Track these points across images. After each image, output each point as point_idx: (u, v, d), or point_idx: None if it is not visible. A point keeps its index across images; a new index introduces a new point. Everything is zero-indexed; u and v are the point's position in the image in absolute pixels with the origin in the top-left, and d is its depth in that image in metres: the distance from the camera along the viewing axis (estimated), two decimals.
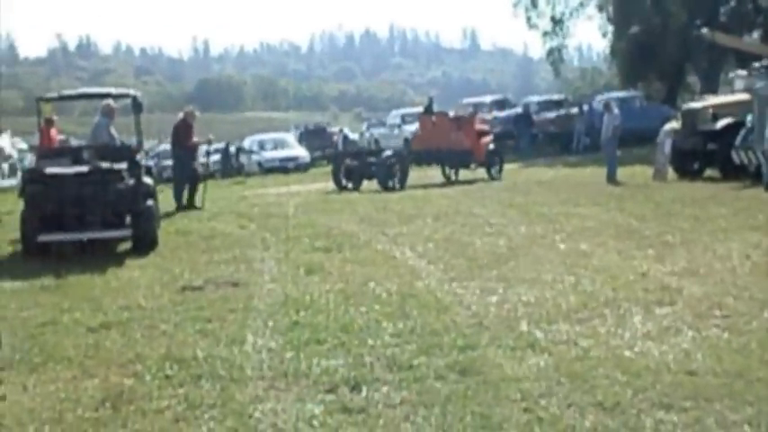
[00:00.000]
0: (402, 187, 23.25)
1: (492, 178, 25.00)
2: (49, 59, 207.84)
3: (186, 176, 19.17)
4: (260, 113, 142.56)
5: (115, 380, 6.30)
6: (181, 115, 20.11)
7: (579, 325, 7.35)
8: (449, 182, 25.29)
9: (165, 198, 18.99)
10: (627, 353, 6.49)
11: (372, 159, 24.74)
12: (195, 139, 19.71)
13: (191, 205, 18.82)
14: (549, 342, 6.83)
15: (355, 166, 24.53)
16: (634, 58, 43.45)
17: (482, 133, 26.14)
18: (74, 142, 25.35)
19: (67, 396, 5.98)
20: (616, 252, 11.08)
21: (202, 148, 22.30)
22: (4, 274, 10.99)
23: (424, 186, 23.34)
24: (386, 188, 23.03)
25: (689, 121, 22.45)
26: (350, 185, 24.13)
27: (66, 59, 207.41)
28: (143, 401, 5.81)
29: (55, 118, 19.78)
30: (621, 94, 39.10)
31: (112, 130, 16.55)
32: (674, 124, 23.34)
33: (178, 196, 18.88)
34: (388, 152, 25.55)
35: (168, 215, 16.99)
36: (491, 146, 25.92)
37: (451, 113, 30.18)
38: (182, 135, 19.43)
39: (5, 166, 18.24)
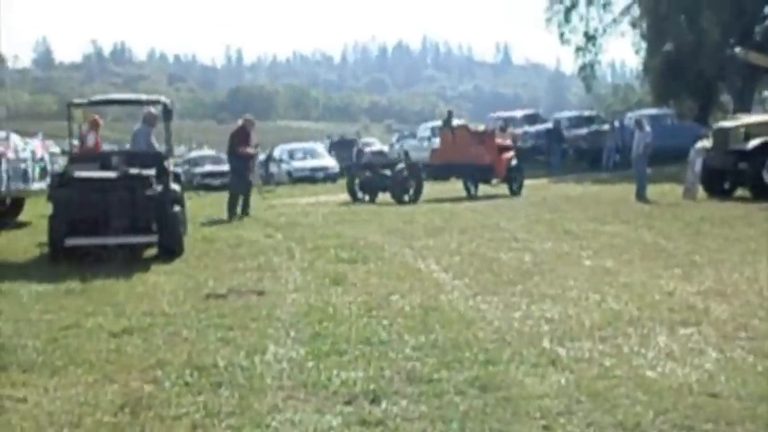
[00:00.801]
0: (416, 201, 23.12)
1: (513, 194, 24.79)
2: (84, 64, 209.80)
3: (243, 185, 19.31)
4: (291, 123, 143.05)
5: (135, 385, 6.30)
6: (239, 122, 20.28)
7: (602, 343, 7.29)
8: (470, 196, 25.07)
9: (195, 206, 19.12)
10: (649, 373, 6.42)
11: (387, 172, 24.52)
12: (251, 147, 19.81)
13: (244, 213, 18.90)
14: (571, 360, 6.77)
15: (369, 179, 24.45)
16: (667, 75, 43.27)
17: (503, 148, 25.91)
18: (105, 147, 25.48)
19: (87, 400, 5.99)
20: (642, 270, 11.00)
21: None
22: (31, 277, 11.05)
23: (447, 201, 23.27)
24: (399, 201, 22.93)
25: (720, 140, 22.31)
26: (365, 198, 24.05)
27: (100, 65, 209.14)
28: (162, 408, 5.81)
29: (101, 122, 20.02)
30: (653, 111, 38.97)
31: (152, 139, 16.79)
32: (705, 143, 23.19)
33: (232, 205, 19.00)
34: (402, 165, 25.29)
35: (219, 222, 17.29)
36: (513, 161, 25.67)
37: (481, 127, 30.05)
38: (239, 142, 19.52)
39: (37, 169, 18.34)
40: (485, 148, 25.31)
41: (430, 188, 24.81)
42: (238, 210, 18.96)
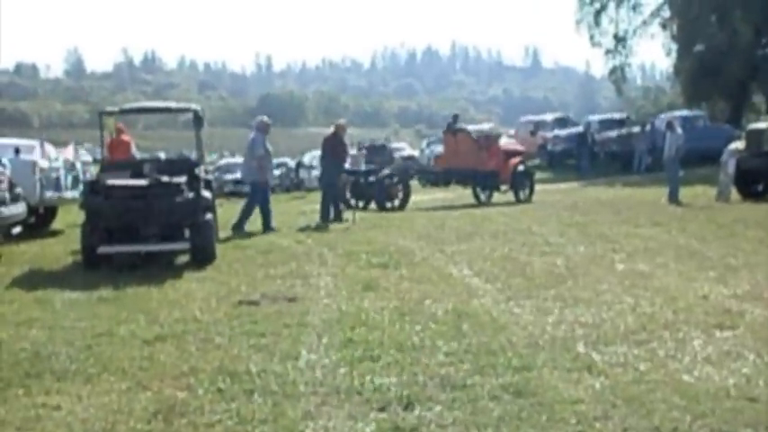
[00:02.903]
0: (402, 209, 22.69)
1: (518, 201, 24.00)
2: (115, 73, 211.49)
3: (335, 190, 19.65)
4: (321, 129, 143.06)
5: (168, 392, 6.30)
6: (332, 128, 20.33)
7: (637, 347, 7.22)
8: (480, 203, 24.41)
9: (226, 212, 19.16)
10: (686, 377, 6.35)
11: (372, 179, 23.81)
12: (345, 152, 20.12)
13: (337, 218, 19.17)
14: (605, 364, 6.71)
15: (359, 185, 23.78)
16: (698, 77, 42.98)
17: (510, 153, 25.17)
18: (137, 155, 25.64)
19: (120, 408, 5.99)
20: (677, 274, 10.91)
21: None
22: (64, 286, 11.08)
23: (461, 207, 23.07)
24: (382, 209, 22.60)
25: (753, 142, 22.15)
26: (359, 204, 23.63)
27: (131, 73, 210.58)
28: (195, 415, 5.80)
29: (121, 125, 20.29)
30: (685, 113, 38.64)
31: (268, 145, 17.56)
32: (738, 144, 23.03)
33: (326, 210, 19.22)
34: (387, 171, 24.59)
35: (317, 228, 17.71)
36: (520, 167, 24.90)
37: (512, 132, 29.78)
38: (334, 148, 19.70)
39: (70, 177, 18.54)
40: (489, 153, 24.57)
41: (443, 195, 24.47)
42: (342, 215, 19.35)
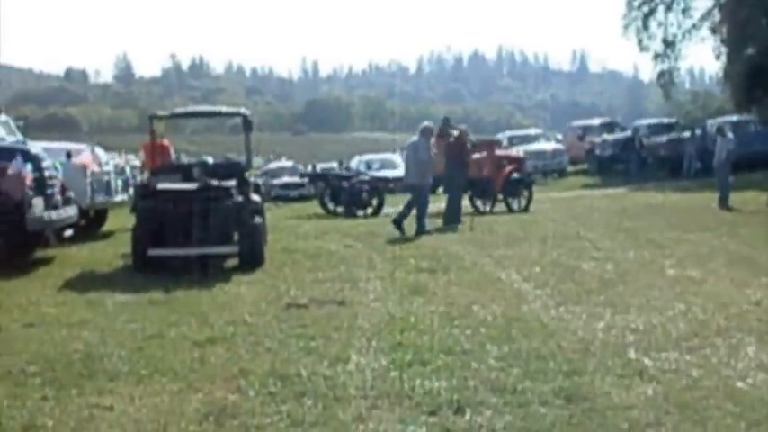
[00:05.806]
0: (376, 215, 22.59)
1: (511, 211, 22.61)
2: (163, 79, 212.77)
3: (461, 193, 19.98)
4: (367, 134, 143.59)
5: (219, 395, 6.33)
6: (455, 133, 20.50)
7: (689, 354, 7.15)
8: (479, 213, 22.40)
9: (274, 216, 19.24)
10: (739, 384, 6.28)
11: (345, 184, 23.68)
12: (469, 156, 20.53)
13: (456, 220, 19.33)
14: (657, 370, 6.65)
15: (337, 191, 23.67)
16: (748, 80, 42.36)
17: (506, 160, 23.96)
18: (184, 160, 25.81)
19: (172, 409, 6.03)
20: (728, 279, 10.79)
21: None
22: (115, 288, 11.19)
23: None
24: (348, 215, 22.62)
25: None
26: (337, 210, 23.59)
27: (179, 79, 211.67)
28: (246, 417, 5.83)
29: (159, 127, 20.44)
30: (735, 118, 38.16)
31: (431, 150, 18.20)
32: None
33: (455, 213, 19.50)
34: (360, 178, 24.39)
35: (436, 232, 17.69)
36: (515, 174, 23.34)
37: (559, 136, 29.45)
38: (458, 153, 20.02)
39: (120, 181, 18.73)
40: (483, 160, 23.09)
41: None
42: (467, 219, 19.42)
